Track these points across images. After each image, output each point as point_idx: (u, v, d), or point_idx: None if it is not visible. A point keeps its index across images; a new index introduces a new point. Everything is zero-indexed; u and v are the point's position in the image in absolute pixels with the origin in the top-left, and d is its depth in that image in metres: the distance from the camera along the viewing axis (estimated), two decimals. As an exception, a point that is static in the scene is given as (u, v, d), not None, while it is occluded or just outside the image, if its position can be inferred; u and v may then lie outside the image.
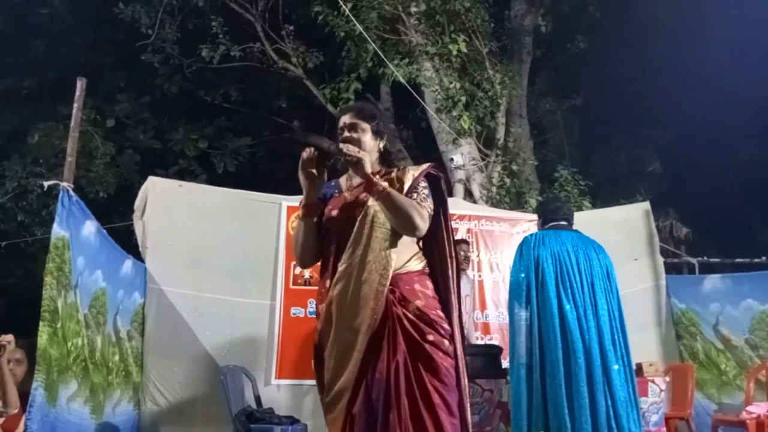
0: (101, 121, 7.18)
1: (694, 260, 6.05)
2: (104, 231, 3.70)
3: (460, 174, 6.32)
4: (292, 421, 3.64)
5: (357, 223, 1.99)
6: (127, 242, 4.42)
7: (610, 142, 10.03)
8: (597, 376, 2.73)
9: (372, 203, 2.00)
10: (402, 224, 1.97)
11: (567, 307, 2.85)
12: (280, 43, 7.52)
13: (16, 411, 2.84)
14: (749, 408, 3.82)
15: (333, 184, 2.18)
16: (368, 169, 1.96)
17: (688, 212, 9.29)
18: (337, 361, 1.93)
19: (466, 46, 6.51)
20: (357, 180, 2.09)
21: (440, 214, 2.13)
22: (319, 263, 2.16)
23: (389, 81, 6.95)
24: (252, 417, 3.51)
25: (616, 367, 2.80)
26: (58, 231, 3.03)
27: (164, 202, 4.49)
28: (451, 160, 6.30)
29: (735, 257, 6.05)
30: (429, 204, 2.05)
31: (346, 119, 2.13)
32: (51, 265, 2.94)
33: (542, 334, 2.85)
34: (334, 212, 2.06)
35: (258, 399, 3.89)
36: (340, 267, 1.98)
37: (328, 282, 2.02)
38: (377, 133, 2.14)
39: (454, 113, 6.39)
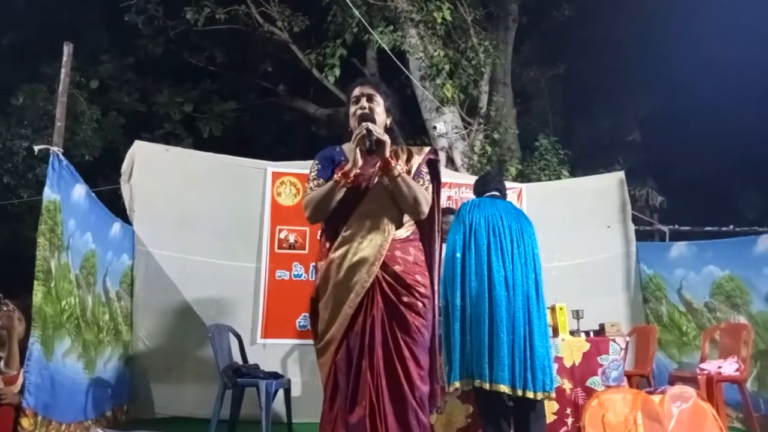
0: (85, 83, 7.14)
1: (665, 228, 6.29)
2: (93, 194, 3.79)
3: (443, 142, 6.44)
4: (277, 376, 3.83)
5: (365, 196, 2.20)
6: (114, 205, 4.52)
7: (592, 111, 10.16)
8: (519, 333, 2.98)
9: (380, 181, 2.19)
10: (410, 207, 2.19)
11: (495, 266, 3.06)
12: (265, 6, 7.47)
13: (15, 373, 2.99)
14: (701, 365, 4.09)
15: (338, 150, 2.34)
16: (389, 152, 2.14)
17: (665, 181, 9.51)
18: (331, 313, 2.16)
19: (451, 14, 6.54)
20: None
21: (434, 193, 2.35)
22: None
23: (375, 47, 6.97)
24: (238, 372, 3.70)
25: (538, 325, 3.05)
26: (49, 194, 3.11)
27: (151, 166, 4.56)
28: (434, 128, 6.42)
29: (712, 226, 6.28)
30: (431, 189, 2.28)
31: (365, 89, 2.29)
32: (43, 227, 3.03)
33: (472, 292, 3.06)
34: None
35: (244, 356, 4.08)
36: (344, 233, 2.19)
37: (328, 244, 2.24)
38: (388, 111, 2.32)
39: (438, 81, 6.47)
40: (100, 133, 7.21)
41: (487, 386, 2.89)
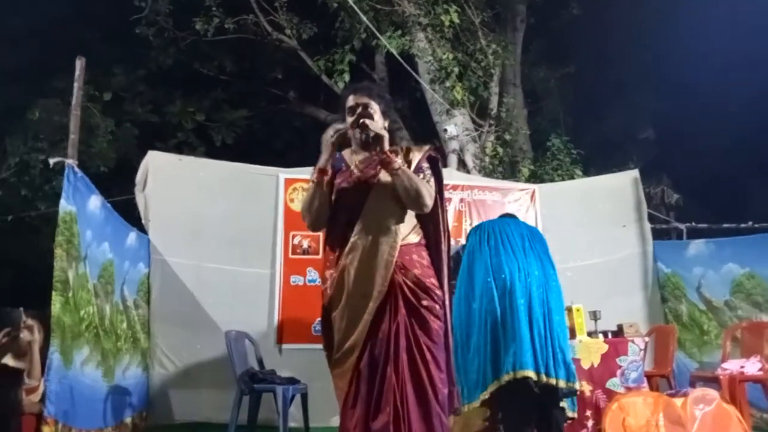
0: (98, 96, 7.24)
1: (682, 226, 6.21)
2: (108, 205, 3.84)
3: (454, 144, 6.42)
4: (293, 381, 3.84)
5: (369, 198, 2.19)
6: (129, 215, 4.56)
7: (603, 110, 10.08)
8: (537, 317, 2.97)
9: (383, 179, 2.18)
10: (413, 200, 2.17)
11: (505, 259, 3.09)
12: (273, 15, 7.51)
13: (36, 384, 3.03)
14: (723, 365, 4.03)
15: (338, 156, 2.34)
16: (387, 146, 2.14)
17: (681, 178, 9.41)
18: (349, 322, 2.14)
19: (459, 17, 6.54)
20: (361, 156, 2.26)
21: (437, 192, 2.33)
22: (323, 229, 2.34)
23: (383, 52, 6.98)
24: (255, 377, 3.71)
25: (557, 311, 3.08)
26: (65, 206, 3.16)
27: (165, 176, 4.61)
28: (445, 130, 6.40)
29: (727, 223, 6.19)
30: (433, 183, 2.27)
31: (359, 99, 2.28)
32: (60, 239, 3.07)
33: (489, 293, 3.08)
34: (345, 185, 2.24)
35: (261, 362, 4.09)
36: (353, 238, 2.17)
37: (337, 251, 2.22)
38: (385, 114, 2.32)
39: (448, 84, 6.46)
40: (115, 145, 7.29)
41: (512, 375, 2.86)
